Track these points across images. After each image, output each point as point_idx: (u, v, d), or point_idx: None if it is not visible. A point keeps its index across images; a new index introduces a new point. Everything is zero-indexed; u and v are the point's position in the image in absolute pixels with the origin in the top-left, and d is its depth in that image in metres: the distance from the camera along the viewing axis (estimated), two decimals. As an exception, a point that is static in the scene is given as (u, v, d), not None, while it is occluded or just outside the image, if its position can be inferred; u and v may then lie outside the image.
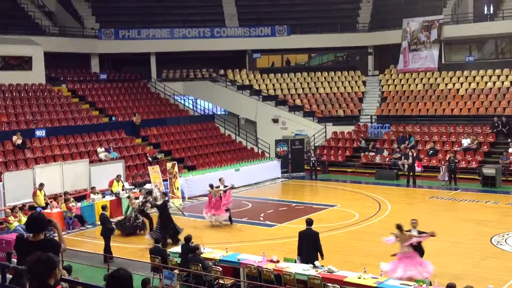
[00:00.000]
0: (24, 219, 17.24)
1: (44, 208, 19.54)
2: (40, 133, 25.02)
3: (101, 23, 35.57)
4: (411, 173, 25.60)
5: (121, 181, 21.99)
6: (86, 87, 31.43)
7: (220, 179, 20.02)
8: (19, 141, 23.51)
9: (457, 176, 25.08)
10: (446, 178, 24.97)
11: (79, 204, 19.93)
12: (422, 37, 33.37)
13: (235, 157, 29.68)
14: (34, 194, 20.13)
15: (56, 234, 6.66)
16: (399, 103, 32.61)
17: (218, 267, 12.60)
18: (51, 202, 19.57)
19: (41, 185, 20.29)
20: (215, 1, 37.99)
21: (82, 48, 33.43)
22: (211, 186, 19.46)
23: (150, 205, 17.86)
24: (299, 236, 13.12)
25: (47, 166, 22.20)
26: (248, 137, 33.02)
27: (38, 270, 4.69)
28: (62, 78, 31.73)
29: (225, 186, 19.45)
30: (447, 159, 25.30)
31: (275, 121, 33.31)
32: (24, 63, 29.38)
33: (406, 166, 26.18)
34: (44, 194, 20.18)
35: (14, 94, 27.83)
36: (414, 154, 26.22)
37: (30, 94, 28.41)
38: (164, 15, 36.91)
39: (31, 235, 6.21)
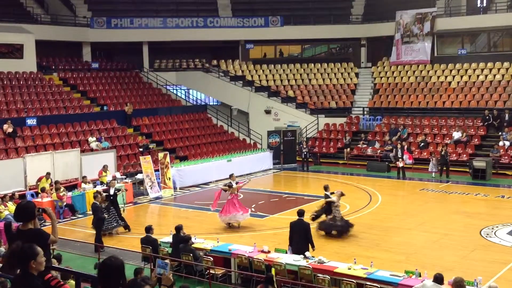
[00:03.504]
0: (14, 208, 17.19)
1: (37, 194, 19.66)
2: (31, 121, 24.90)
3: (93, 12, 35.33)
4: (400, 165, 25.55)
5: (108, 170, 21.94)
6: (78, 76, 31.27)
7: (231, 175, 18.46)
8: (10, 130, 23.39)
9: (449, 168, 25.14)
10: (435, 170, 25.06)
11: (70, 194, 19.89)
12: (415, 30, 33.40)
13: (227, 148, 29.68)
14: (39, 180, 20.33)
15: (48, 223, 6.64)
16: (391, 95, 32.68)
17: (209, 257, 12.62)
18: (48, 192, 19.56)
19: (48, 173, 20.48)
20: (208, -9, 37.87)
21: (74, 37, 33.22)
22: (230, 185, 17.67)
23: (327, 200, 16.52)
24: (290, 227, 13.17)
25: (38, 155, 22.12)
26: (240, 128, 33.00)
27: (20, 260, 4.67)
28: (53, 67, 31.55)
29: (237, 183, 18.04)
30: (440, 152, 25.35)
31: (268, 112, 33.30)
32: (15, 51, 29.18)
33: (395, 158, 26.22)
34: (51, 183, 20.06)
35: (5, 82, 27.63)
36: (405, 147, 26.31)
37: (21, 83, 28.23)
38: (157, 4, 36.72)
39: (21, 223, 6.19)
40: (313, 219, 16.19)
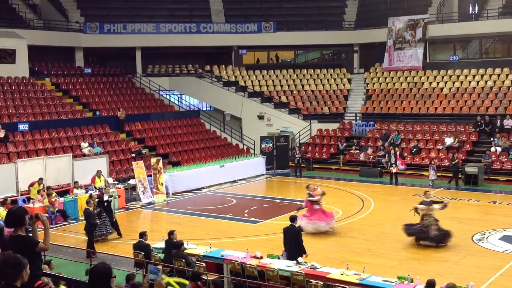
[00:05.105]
0: (4, 214, 17.08)
1: (28, 199, 19.67)
2: (23, 127, 24.78)
3: (86, 17, 35.28)
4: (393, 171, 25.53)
5: (102, 175, 21.86)
6: (70, 81, 31.18)
7: (308, 186, 17.89)
8: (2, 135, 23.28)
9: (458, 176, 24.64)
10: (435, 178, 24.87)
11: (61, 199, 19.80)
12: (407, 36, 33.56)
13: (220, 153, 29.65)
14: (31, 185, 20.26)
15: (41, 229, 6.58)
16: (384, 101, 32.79)
17: (201, 263, 12.59)
18: (42, 196, 19.43)
19: (41, 179, 20.40)
20: (201, -3, 37.94)
21: (67, 42, 33.14)
22: (323, 193, 17.47)
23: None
24: (283, 233, 13.18)
25: (30, 160, 22.02)
26: (233, 134, 33.00)
27: (5, 272, 4.62)
28: (46, 72, 31.44)
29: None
30: (451, 159, 25.10)
31: (261, 117, 33.33)
32: (7, 56, 29.06)
33: (389, 164, 26.25)
34: (43, 188, 19.89)
35: (-3, 87, 27.55)
36: (398, 152, 26.36)
37: (13, 88, 28.12)
38: (150, 9, 36.73)
39: (13, 229, 6.15)
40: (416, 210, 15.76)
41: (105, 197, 17.23)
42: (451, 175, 25.23)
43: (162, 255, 13.29)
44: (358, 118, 32.46)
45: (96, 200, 16.88)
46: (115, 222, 17.28)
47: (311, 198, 17.18)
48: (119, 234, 17.16)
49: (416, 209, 15.72)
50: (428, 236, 15.33)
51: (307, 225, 16.67)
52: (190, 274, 11.40)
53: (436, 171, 25.10)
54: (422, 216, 15.56)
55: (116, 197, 19.22)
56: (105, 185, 20.09)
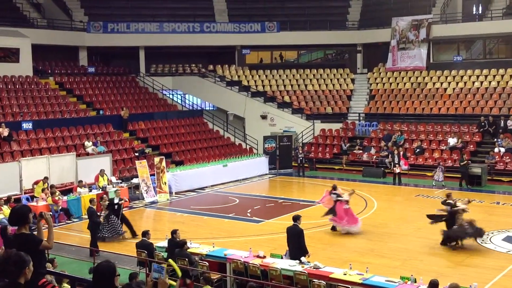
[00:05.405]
0: (8, 212, 17.12)
1: (32, 198, 19.72)
2: (26, 125, 24.85)
3: (90, 16, 35.35)
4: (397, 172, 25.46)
5: (105, 174, 21.88)
6: (74, 80, 31.24)
7: (336, 187, 17.68)
8: (6, 133, 23.33)
9: (463, 178, 24.36)
10: (441, 179, 24.79)
11: (65, 198, 19.83)
12: (411, 36, 33.52)
13: (223, 153, 29.67)
14: (36, 183, 20.29)
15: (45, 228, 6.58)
16: (387, 101, 32.75)
17: (204, 262, 12.60)
18: (46, 195, 19.46)
19: (46, 178, 20.37)
20: (205, -4, 37.96)
21: (70, 41, 33.21)
22: (352, 193, 17.40)
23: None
24: (286, 232, 13.18)
25: (34, 159, 22.08)
26: (236, 133, 33.01)
27: (7, 269, 4.64)
28: (49, 71, 31.52)
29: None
30: (460, 161, 24.86)
31: (264, 117, 33.34)
32: (11, 55, 29.12)
33: (392, 164, 26.22)
34: (47, 186, 19.88)
35: (1, 86, 27.56)
36: (401, 153, 26.33)
37: (17, 86, 28.18)
38: (154, 9, 36.77)
39: (17, 227, 6.16)
40: (432, 221, 15.88)
41: (116, 200, 17.20)
42: (454, 175, 25.15)
43: (165, 254, 13.31)
44: (361, 118, 32.43)
45: (106, 202, 16.86)
46: (127, 221, 17.22)
47: (340, 198, 17.05)
48: (133, 232, 17.02)
49: (444, 213, 15.75)
50: (479, 232, 15.17)
51: (351, 228, 16.76)
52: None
53: (443, 172, 24.92)
54: (450, 217, 15.40)
55: (127, 200, 19.23)
56: (117, 189, 20.13)
